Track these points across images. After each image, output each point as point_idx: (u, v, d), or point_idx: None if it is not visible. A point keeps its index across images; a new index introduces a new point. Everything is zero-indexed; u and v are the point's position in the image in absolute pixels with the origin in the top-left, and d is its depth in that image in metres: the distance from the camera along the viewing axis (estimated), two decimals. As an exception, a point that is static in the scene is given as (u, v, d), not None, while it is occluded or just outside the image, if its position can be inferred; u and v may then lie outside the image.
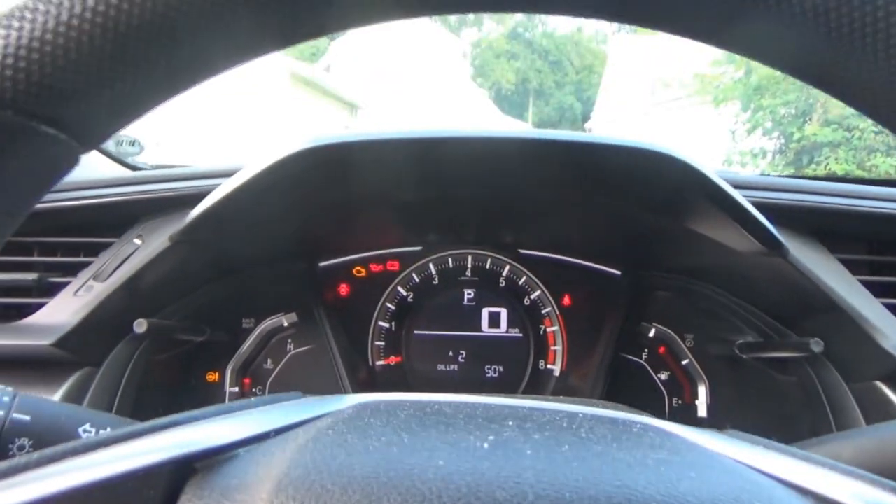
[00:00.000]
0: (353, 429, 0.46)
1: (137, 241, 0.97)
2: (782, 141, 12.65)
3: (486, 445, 0.45)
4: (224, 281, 1.17)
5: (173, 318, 1.07)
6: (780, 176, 1.06)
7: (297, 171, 0.86)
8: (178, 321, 1.07)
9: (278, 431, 0.46)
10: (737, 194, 0.86)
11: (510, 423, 0.51)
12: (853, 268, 0.99)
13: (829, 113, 12.24)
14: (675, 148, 0.84)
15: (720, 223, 0.92)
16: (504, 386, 1.26)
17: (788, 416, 1.08)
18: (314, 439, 0.44)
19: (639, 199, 0.99)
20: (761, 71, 12.28)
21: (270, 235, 1.10)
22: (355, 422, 0.48)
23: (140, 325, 0.91)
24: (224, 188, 0.88)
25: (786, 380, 1.09)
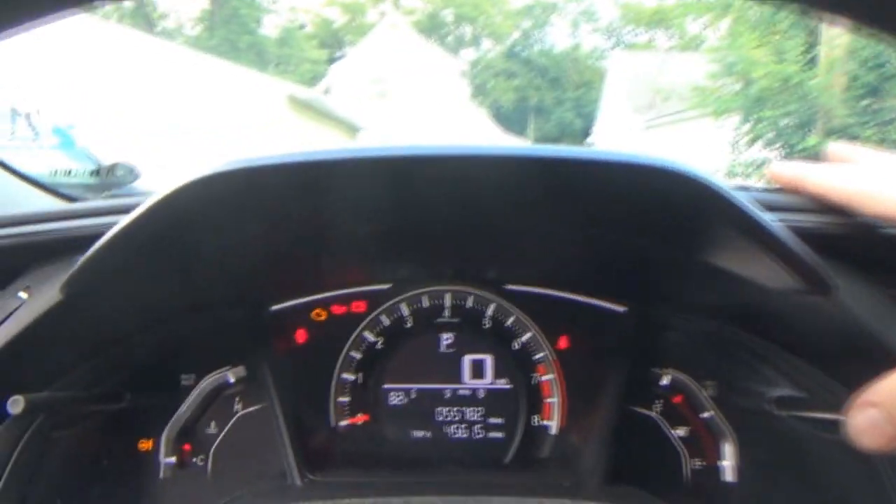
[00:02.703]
0: None
1: (23, 295, 0.79)
2: (786, 151, 12.50)
3: None
4: (150, 333, 0.98)
5: (81, 382, 0.88)
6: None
7: (208, 201, 0.68)
8: (86, 386, 0.88)
9: None
10: (770, 222, 0.67)
11: None
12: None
13: (831, 122, 12.10)
14: (689, 164, 0.66)
15: (748, 256, 0.73)
16: (492, 449, 1.06)
17: (838, 489, 0.88)
18: None
19: (643, 228, 0.80)
20: (761, 82, 12.21)
21: (202, 278, 0.92)
22: None
23: (15, 404, 0.72)
24: (119, 225, 0.69)
25: (833, 440, 0.89)
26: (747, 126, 13.37)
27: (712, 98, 13.68)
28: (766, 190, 0.89)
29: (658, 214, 0.78)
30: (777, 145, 12.67)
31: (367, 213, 0.85)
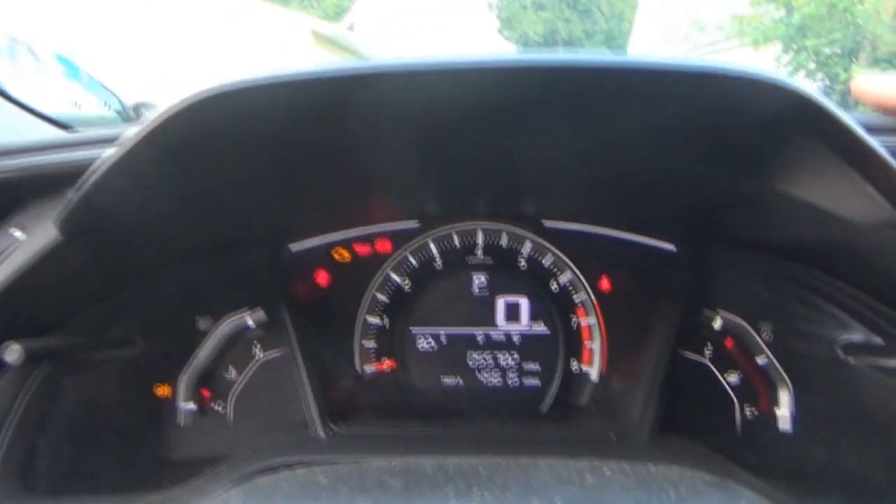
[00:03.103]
0: None
1: (18, 234, 0.72)
2: (827, 83, 11.98)
3: None
4: (161, 274, 0.91)
5: (89, 327, 0.82)
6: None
7: (216, 120, 0.59)
8: (94, 332, 0.82)
9: None
10: (874, 142, 0.57)
11: None
12: None
13: (877, 51, 11.50)
14: (779, 73, 0.55)
15: (835, 184, 0.63)
16: (527, 397, 0.99)
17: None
18: None
19: (712, 152, 0.69)
20: (805, 9, 11.61)
21: (212, 215, 0.84)
22: None
23: (11, 352, 0.66)
24: (117, 152, 0.61)
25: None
26: (788, 56, 12.81)
27: (752, 27, 13.07)
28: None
29: (740, 135, 0.66)
30: (819, 76, 12.15)
31: (391, 135, 0.75)
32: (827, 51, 12.12)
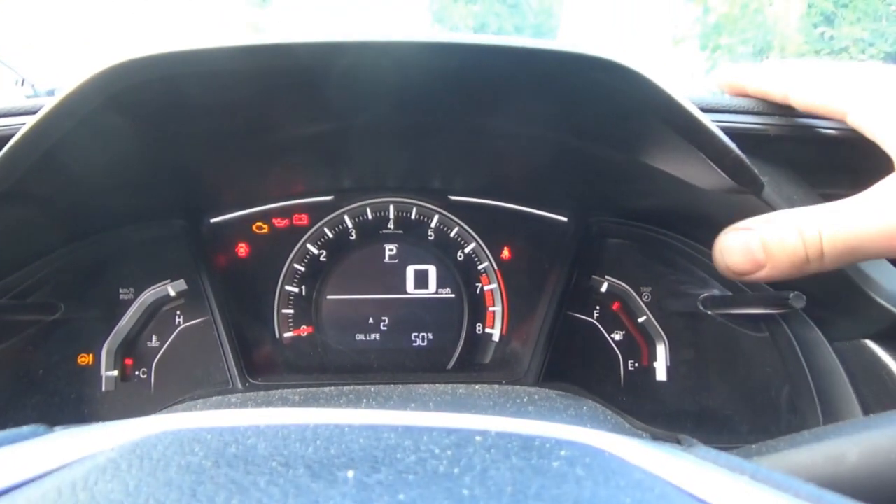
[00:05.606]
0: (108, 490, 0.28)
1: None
2: (741, 80, 12.53)
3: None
4: (84, 243, 0.95)
5: (11, 292, 0.86)
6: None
7: (125, 95, 0.64)
8: (16, 296, 0.85)
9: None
10: (704, 118, 0.68)
11: (363, 468, 0.32)
12: (838, 204, 0.82)
13: (786, 50, 12.15)
14: (629, 58, 0.65)
15: (682, 155, 0.74)
16: (435, 356, 1.08)
17: (762, 382, 0.93)
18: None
19: (582, 127, 0.80)
20: (720, 9, 12.13)
21: (131, 185, 0.88)
22: (115, 477, 0.30)
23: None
24: (30, 123, 0.66)
25: (758, 338, 0.94)
26: (704, 54, 13.35)
27: (670, 25, 13.54)
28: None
29: (596, 112, 0.76)
30: (733, 74, 12.67)
31: (308, 111, 0.81)
32: (740, 49, 12.70)
